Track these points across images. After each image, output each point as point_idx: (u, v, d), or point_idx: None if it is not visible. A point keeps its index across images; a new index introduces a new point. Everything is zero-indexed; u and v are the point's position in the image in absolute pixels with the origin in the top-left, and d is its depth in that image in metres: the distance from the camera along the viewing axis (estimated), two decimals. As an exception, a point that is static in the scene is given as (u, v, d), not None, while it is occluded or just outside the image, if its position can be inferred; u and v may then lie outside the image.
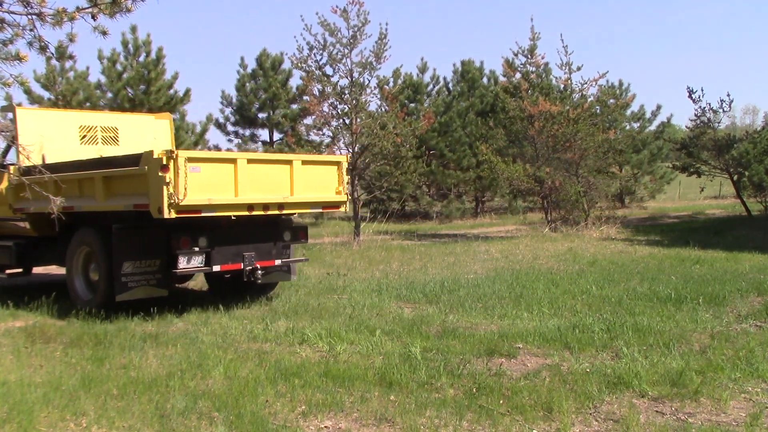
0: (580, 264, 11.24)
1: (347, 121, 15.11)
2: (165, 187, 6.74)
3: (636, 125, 30.25)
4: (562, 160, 18.20)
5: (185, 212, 6.98)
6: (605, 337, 6.03)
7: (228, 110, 24.85)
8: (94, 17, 5.19)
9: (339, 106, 15.20)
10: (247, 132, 24.94)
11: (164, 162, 6.77)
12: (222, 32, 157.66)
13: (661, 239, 15.69)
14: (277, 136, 24.83)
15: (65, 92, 19.35)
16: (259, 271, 7.89)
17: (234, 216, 7.81)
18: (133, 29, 20.38)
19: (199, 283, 10.09)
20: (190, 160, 6.95)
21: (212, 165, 7.29)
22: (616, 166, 25.19)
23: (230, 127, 24.82)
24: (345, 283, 9.56)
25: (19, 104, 18.50)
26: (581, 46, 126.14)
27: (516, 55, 19.36)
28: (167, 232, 7.44)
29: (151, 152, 6.95)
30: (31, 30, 5.20)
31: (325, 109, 15.21)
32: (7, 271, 9.65)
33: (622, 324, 6.39)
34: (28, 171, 7.24)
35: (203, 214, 7.22)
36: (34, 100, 19.58)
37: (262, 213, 7.73)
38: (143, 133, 10.08)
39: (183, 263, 7.41)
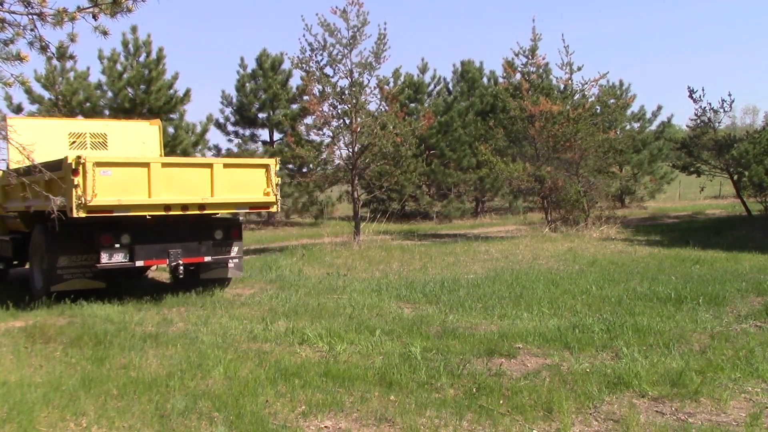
0: (580, 264, 11.24)
1: (347, 121, 15.11)
2: (74, 190, 7.41)
3: (636, 125, 30.28)
4: (562, 160, 18.18)
5: (96, 212, 7.62)
6: (605, 337, 6.03)
7: (228, 110, 24.86)
8: (94, 17, 5.19)
9: (339, 106, 15.20)
10: (247, 132, 24.95)
11: (74, 166, 7.41)
12: (222, 32, 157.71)
13: (661, 239, 15.69)
14: (277, 136, 24.87)
15: (65, 92, 19.35)
16: (182, 267, 8.34)
17: (149, 215, 8.17)
18: (134, 29, 20.40)
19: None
20: (98, 164, 7.60)
21: (124, 169, 7.84)
22: (616, 166, 25.19)
23: (230, 127, 24.84)
24: (345, 283, 9.56)
25: (19, 104, 18.56)
26: (582, 46, 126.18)
27: (517, 55, 19.33)
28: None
29: (66, 158, 7.53)
30: (31, 30, 5.20)
31: (325, 109, 15.21)
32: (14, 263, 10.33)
33: (622, 324, 6.39)
34: (28, 171, 7.66)
35: (116, 214, 7.80)
36: (35, 100, 19.60)
37: (180, 213, 8.22)
38: (132, 139, 10.50)
39: (105, 258, 7.92)
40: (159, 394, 4.64)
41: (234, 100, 24.67)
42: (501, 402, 4.44)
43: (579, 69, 18.57)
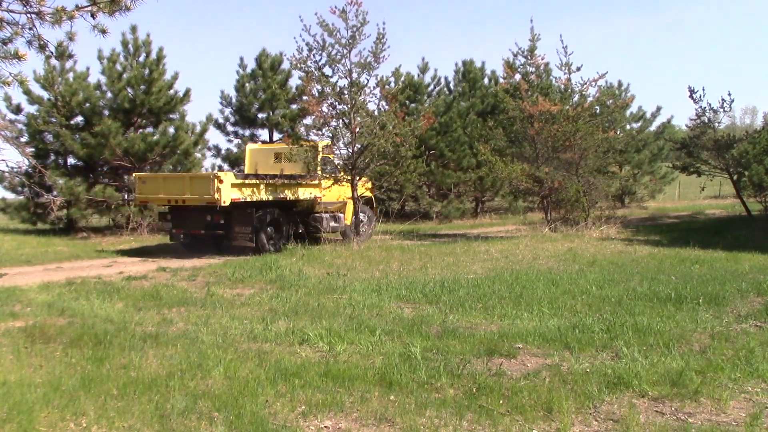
0: (580, 264, 11.24)
1: (346, 121, 15.09)
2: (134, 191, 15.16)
3: (636, 126, 30.29)
4: (561, 160, 18.18)
5: (141, 202, 16.16)
6: (605, 337, 6.03)
7: (228, 110, 24.84)
8: (93, 16, 5.19)
9: (338, 106, 15.18)
10: (247, 132, 24.93)
11: (133, 179, 15.13)
12: (222, 32, 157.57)
13: (661, 239, 15.70)
14: (276, 136, 24.81)
15: (65, 92, 19.32)
16: (182, 236, 14.85)
17: (160, 204, 15.62)
18: (133, 29, 20.36)
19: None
20: (138, 178, 15.00)
21: (149, 180, 15.19)
22: (616, 166, 25.18)
23: (230, 128, 24.81)
24: (345, 283, 9.56)
25: (18, 105, 18.60)
26: (581, 46, 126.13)
27: (516, 55, 19.32)
28: None
29: (133, 173, 15.21)
30: (30, 29, 5.20)
31: (324, 109, 15.18)
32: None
33: (622, 324, 6.39)
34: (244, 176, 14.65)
35: (149, 203, 16.24)
36: (34, 100, 19.57)
37: (175, 204, 14.37)
38: (305, 156, 15.92)
39: (164, 227, 15.35)
40: (159, 394, 4.64)
41: (233, 101, 24.66)
42: (501, 402, 4.44)
43: (578, 69, 18.57)
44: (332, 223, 16.44)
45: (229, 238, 14.15)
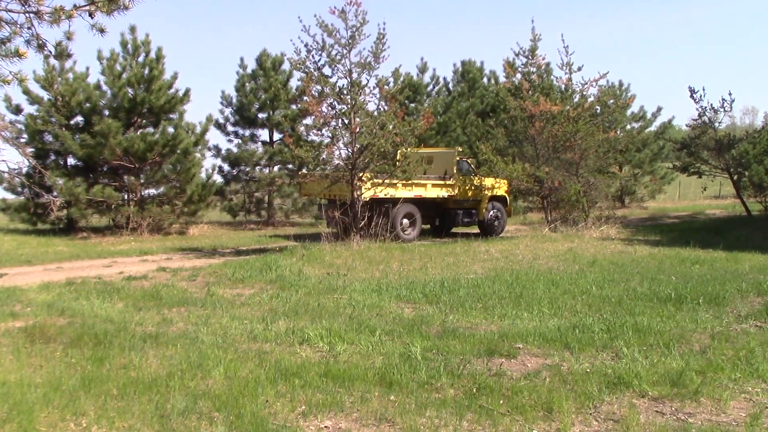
0: (580, 264, 11.24)
1: (346, 121, 15.09)
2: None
3: (636, 126, 30.29)
4: (562, 160, 18.18)
5: (304, 195, 20.46)
6: (605, 337, 6.03)
7: (228, 110, 24.82)
8: (91, 15, 5.17)
9: (338, 106, 15.17)
10: (247, 132, 24.93)
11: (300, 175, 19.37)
12: (222, 32, 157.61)
13: (661, 239, 15.70)
14: (277, 136, 24.83)
15: (64, 92, 19.32)
16: (334, 224, 15.96)
17: (321, 198, 18.14)
18: (132, 29, 20.37)
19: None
20: (302, 176, 18.03)
21: (310, 177, 17.21)
22: (616, 166, 25.17)
23: (230, 128, 24.80)
24: (345, 283, 9.56)
25: (18, 105, 18.50)
26: (582, 46, 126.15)
27: (517, 55, 19.28)
28: None
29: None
30: (29, 28, 5.19)
31: (324, 109, 15.17)
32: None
33: (622, 324, 6.39)
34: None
35: (311, 196, 18.95)
36: (34, 100, 19.58)
37: (329, 198, 17.07)
38: (443, 160, 18.61)
39: (320, 215, 18.69)
40: (159, 394, 4.63)
41: (234, 101, 24.65)
42: (501, 402, 4.44)
43: (579, 69, 18.57)
44: (465, 219, 18.49)
45: (370, 228, 15.56)
